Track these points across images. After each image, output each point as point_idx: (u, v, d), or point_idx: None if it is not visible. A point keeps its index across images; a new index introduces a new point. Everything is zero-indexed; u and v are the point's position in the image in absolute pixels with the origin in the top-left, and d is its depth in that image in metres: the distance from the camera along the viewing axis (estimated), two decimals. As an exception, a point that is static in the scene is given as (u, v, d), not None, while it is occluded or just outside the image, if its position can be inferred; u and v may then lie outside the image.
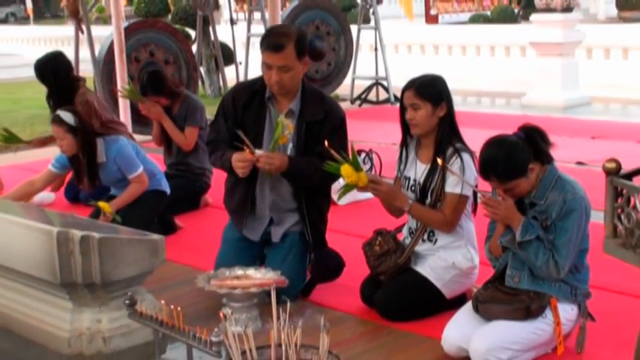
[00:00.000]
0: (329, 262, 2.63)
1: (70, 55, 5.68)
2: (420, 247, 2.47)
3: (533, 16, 7.20)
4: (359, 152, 4.07)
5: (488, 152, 2.07)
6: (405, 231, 2.56)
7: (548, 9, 6.86)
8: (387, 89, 7.46)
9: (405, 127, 2.45)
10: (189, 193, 3.85)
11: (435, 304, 2.45)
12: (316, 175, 2.49)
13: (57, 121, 3.26)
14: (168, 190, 3.54)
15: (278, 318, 1.74)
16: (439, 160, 2.29)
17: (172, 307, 1.84)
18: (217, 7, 9.54)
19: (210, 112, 3.50)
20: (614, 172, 1.58)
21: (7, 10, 27.06)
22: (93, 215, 3.26)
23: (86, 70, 6.40)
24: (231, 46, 8.13)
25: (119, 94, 4.78)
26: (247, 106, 2.57)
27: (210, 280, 2.44)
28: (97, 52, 5.81)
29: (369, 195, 2.48)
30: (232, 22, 8.19)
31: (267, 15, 6.49)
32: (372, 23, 7.73)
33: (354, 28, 7.67)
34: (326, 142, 2.33)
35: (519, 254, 2.12)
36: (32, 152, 4.50)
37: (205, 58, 8.10)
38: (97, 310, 2.21)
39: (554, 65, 6.93)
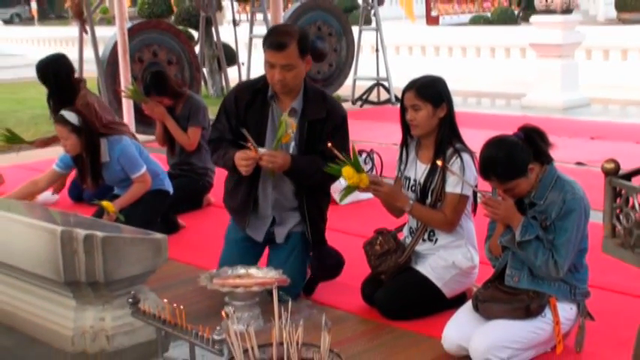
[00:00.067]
0: (329, 261, 2.64)
1: (74, 55, 5.72)
2: (421, 247, 2.49)
3: (533, 18, 7.22)
4: (360, 152, 4.10)
5: (489, 152, 2.08)
6: (405, 230, 2.57)
7: (548, 10, 6.87)
8: (388, 90, 7.47)
9: (406, 128, 2.46)
10: (191, 192, 3.87)
11: (435, 303, 2.47)
12: (318, 174, 2.50)
13: (61, 121, 3.28)
14: (171, 190, 3.55)
15: (280, 316, 1.75)
16: (439, 162, 2.30)
17: (175, 305, 1.85)
18: (220, 8, 9.58)
19: (212, 112, 3.52)
20: (612, 173, 1.58)
21: (11, 11, 27.16)
22: (96, 214, 3.27)
23: (90, 70, 6.42)
24: (233, 46, 8.16)
25: (123, 94, 4.79)
26: (250, 104, 2.58)
27: (213, 278, 2.45)
28: (100, 53, 5.83)
29: (369, 195, 2.49)
30: (235, 23, 8.22)
31: (269, 16, 6.52)
32: (374, 24, 7.74)
33: (355, 29, 7.69)
34: (329, 144, 2.34)
35: (519, 254, 2.13)
36: (36, 152, 4.51)
37: (208, 59, 8.12)
38: (101, 308, 2.22)
39: (553, 66, 6.95)
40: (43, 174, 3.69)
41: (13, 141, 4.07)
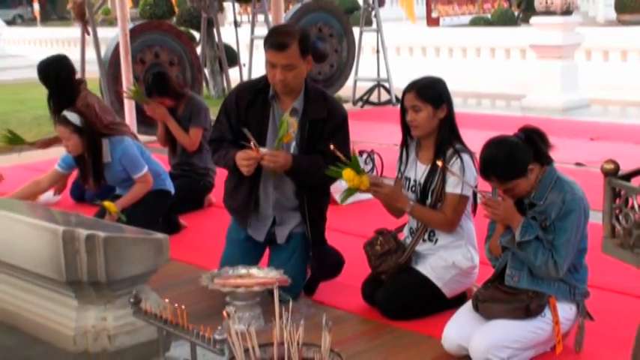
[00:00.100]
0: (328, 260, 2.64)
1: (76, 56, 5.73)
2: (421, 247, 2.50)
3: (533, 19, 7.23)
4: (361, 153, 4.11)
5: (489, 152, 2.09)
6: (405, 231, 2.58)
7: (548, 12, 6.88)
8: (388, 91, 7.48)
9: (406, 129, 2.47)
10: (193, 192, 3.88)
11: (435, 303, 2.47)
12: (319, 173, 2.50)
13: (63, 121, 3.29)
14: (172, 190, 3.56)
15: (280, 316, 1.76)
16: (439, 163, 2.31)
17: (176, 305, 1.86)
18: (221, 9, 9.60)
19: (214, 113, 3.53)
20: (612, 173, 1.58)
21: (14, 12, 27.25)
22: (98, 214, 3.28)
23: (92, 71, 6.44)
24: (235, 48, 8.17)
25: (124, 95, 4.80)
26: (251, 105, 2.58)
27: (214, 278, 2.45)
28: (102, 54, 5.85)
29: (370, 195, 2.50)
30: (236, 24, 8.24)
31: (270, 17, 6.53)
32: (374, 25, 7.75)
33: (356, 30, 7.70)
34: (332, 146, 2.34)
35: (519, 254, 2.13)
36: (37, 152, 4.53)
37: (209, 60, 8.13)
38: (103, 308, 2.23)
39: (553, 67, 6.96)
40: (45, 174, 3.71)
41: (15, 142, 4.09)
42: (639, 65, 8.07)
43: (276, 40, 2.49)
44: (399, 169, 2.56)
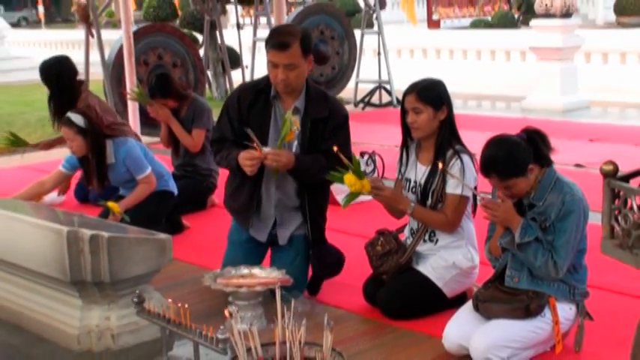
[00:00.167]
0: (329, 259, 2.65)
1: (80, 58, 5.75)
2: (422, 247, 2.51)
3: (533, 22, 7.25)
4: (362, 154, 4.12)
5: (490, 150, 2.11)
6: (406, 231, 2.59)
7: (548, 14, 6.90)
8: (389, 92, 7.49)
9: (406, 130, 2.49)
10: (196, 193, 3.90)
11: (436, 303, 2.48)
12: (321, 172, 2.51)
13: (67, 122, 3.31)
14: (175, 191, 3.58)
15: (282, 316, 1.77)
16: (440, 164, 2.33)
17: (179, 305, 1.88)
18: (224, 11, 9.61)
19: (216, 115, 3.56)
20: (611, 175, 1.59)
21: (19, 15, 27.34)
22: (102, 215, 3.30)
23: (96, 73, 6.46)
24: (237, 50, 8.19)
25: (128, 96, 4.83)
26: (252, 105, 2.59)
27: (217, 278, 2.46)
28: (106, 56, 5.87)
29: (371, 196, 2.52)
30: (239, 26, 8.26)
31: (272, 20, 6.55)
32: (376, 28, 7.77)
33: (357, 32, 7.71)
34: (335, 148, 2.35)
35: (518, 255, 2.15)
36: (42, 153, 4.55)
37: (212, 62, 8.15)
38: (106, 307, 2.25)
39: (553, 69, 6.97)
40: (50, 175, 3.73)
41: (17, 144, 4.12)
42: (638, 67, 8.07)
43: (277, 40, 2.50)
44: (400, 170, 2.57)
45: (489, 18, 13.08)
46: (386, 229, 2.58)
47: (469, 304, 2.26)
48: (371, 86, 7.68)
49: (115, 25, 13.72)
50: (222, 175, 3.47)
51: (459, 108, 6.51)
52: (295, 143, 2.58)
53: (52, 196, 4.08)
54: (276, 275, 2.46)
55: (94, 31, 5.96)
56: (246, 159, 2.50)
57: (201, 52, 7.62)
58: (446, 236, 2.48)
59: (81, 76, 4.28)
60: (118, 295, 2.26)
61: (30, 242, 2.33)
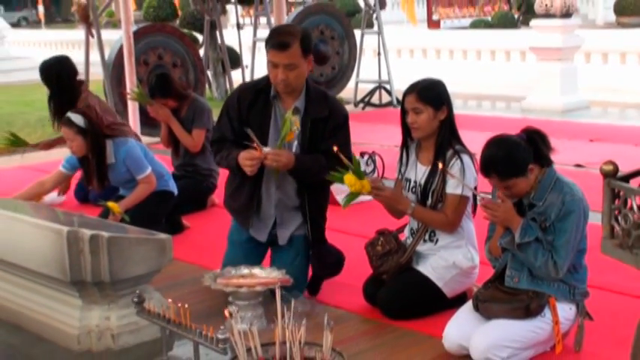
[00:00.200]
0: (329, 259, 2.65)
1: (80, 58, 5.74)
2: (422, 247, 2.51)
3: (533, 22, 7.25)
4: (362, 154, 4.12)
5: (490, 149, 2.11)
6: (406, 231, 2.60)
7: (548, 14, 6.90)
8: (389, 92, 7.50)
9: (406, 130, 2.49)
10: (196, 193, 3.90)
11: (436, 303, 2.49)
12: (322, 172, 2.51)
13: (67, 122, 3.31)
14: (175, 191, 3.58)
15: (282, 316, 1.77)
16: (440, 165, 2.33)
17: (179, 305, 1.88)
18: (224, 12, 9.61)
19: (217, 115, 3.56)
20: (611, 175, 1.59)
21: (19, 15, 27.40)
22: (102, 215, 3.30)
23: (96, 73, 6.46)
24: (237, 50, 8.20)
25: (128, 96, 4.83)
26: (252, 104, 2.59)
27: (217, 278, 2.47)
28: (106, 56, 5.87)
29: (371, 196, 2.52)
30: (239, 26, 8.26)
31: (272, 20, 6.55)
32: (376, 28, 7.77)
33: (357, 32, 7.72)
34: (335, 148, 2.36)
35: (519, 255, 2.15)
36: (42, 153, 4.55)
37: (212, 62, 8.16)
38: (106, 307, 2.25)
39: (553, 69, 6.98)
40: (50, 175, 3.73)
41: (17, 144, 4.12)
42: (638, 67, 8.08)
43: (277, 40, 2.50)
44: (400, 170, 2.57)
45: (489, 18, 13.09)
46: (386, 229, 2.58)
47: (469, 304, 2.27)
48: (371, 86, 7.68)
49: (115, 25, 13.73)
50: (223, 175, 3.48)
51: (459, 108, 6.50)
52: (295, 143, 2.59)
53: (52, 196, 4.08)
54: (276, 275, 2.46)
55: (94, 31, 5.97)
56: (247, 159, 2.50)
57: (202, 52, 7.63)
58: (446, 236, 2.48)
59: (81, 76, 4.29)
60: (118, 295, 2.26)
61: (30, 242, 2.33)
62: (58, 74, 3.96)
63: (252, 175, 2.54)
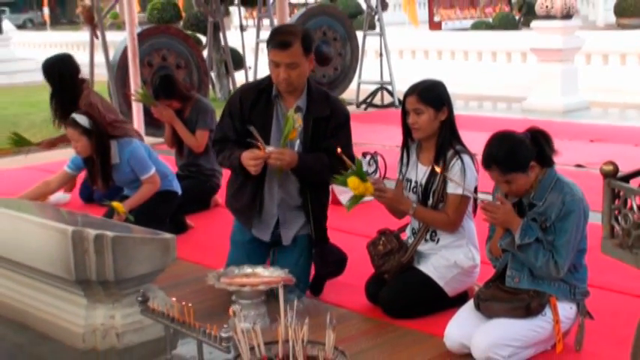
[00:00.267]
0: (331, 258, 2.66)
1: (85, 59, 5.76)
2: (423, 247, 2.53)
3: (534, 23, 7.26)
4: (364, 154, 4.14)
5: (493, 142, 2.13)
6: (408, 231, 2.61)
7: (549, 16, 6.91)
8: (391, 93, 7.51)
9: (406, 131, 2.50)
10: (199, 193, 3.91)
11: (437, 302, 2.50)
12: (324, 171, 2.52)
13: (72, 123, 3.33)
14: (179, 191, 3.60)
15: (285, 315, 1.78)
16: (438, 169, 2.34)
17: (183, 303, 1.89)
18: (227, 13, 9.65)
19: (220, 115, 3.57)
20: (611, 175, 1.59)
21: (24, 17, 27.50)
22: (107, 215, 3.31)
23: (100, 74, 6.48)
24: (240, 51, 8.21)
25: (132, 97, 4.85)
26: (254, 104, 2.60)
27: (220, 277, 2.48)
28: (111, 57, 5.89)
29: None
30: (242, 28, 8.27)
31: (275, 21, 6.58)
32: (378, 29, 7.79)
33: (359, 34, 7.73)
34: (339, 149, 2.37)
35: (519, 256, 2.16)
36: (47, 154, 4.59)
37: (216, 63, 8.18)
38: (111, 306, 2.26)
39: (554, 70, 6.99)
40: (55, 175, 3.75)
41: (20, 144, 4.14)
42: (638, 68, 8.09)
43: (279, 40, 2.52)
44: (400, 170, 2.58)
45: (490, 19, 13.10)
46: (387, 229, 2.59)
47: (470, 303, 2.28)
48: (373, 87, 7.69)
49: (119, 26, 13.76)
50: (226, 175, 3.49)
51: (460, 109, 6.49)
52: (297, 142, 2.60)
53: (58, 196, 4.10)
54: (279, 274, 2.47)
55: (98, 33, 5.99)
56: (250, 159, 2.51)
57: (205, 53, 7.65)
58: (447, 235, 2.50)
59: (84, 76, 4.30)
60: (122, 294, 2.27)
61: (36, 242, 2.35)
62: (61, 72, 3.98)
63: (255, 175, 2.55)
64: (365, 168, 2.49)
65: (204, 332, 1.81)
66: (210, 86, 7.63)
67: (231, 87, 8.02)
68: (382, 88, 7.64)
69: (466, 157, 2.44)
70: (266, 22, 7.61)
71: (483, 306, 2.20)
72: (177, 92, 3.90)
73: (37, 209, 2.80)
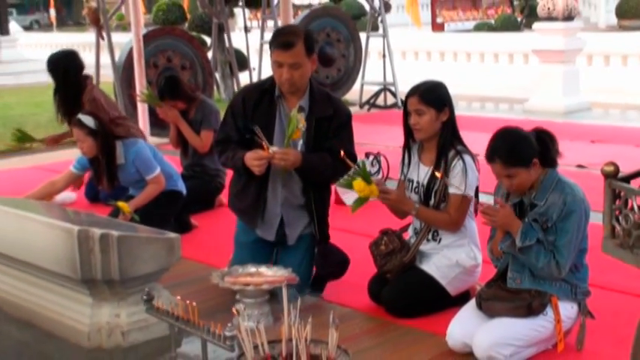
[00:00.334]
0: (333, 258, 2.68)
1: (91, 60, 5.80)
2: (425, 246, 2.54)
3: (536, 25, 7.27)
4: (367, 155, 4.16)
5: (498, 136, 2.15)
6: (410, 231, 2.62)
7: (550, 17, 6.92)
8: (394, 94, 7.53)
9: (408, 132, 2.52)
10: (204, 193, 3.94)
11: (439, 302, 2.51)
12: (328, 170, 2.54)
13: (78, 124, 3.35)
14: (184, 191, 3.62)
15: (289, 314, 1.79)
16: (438, 174, 2.36)
17: (188, 302, 1.90)
18: (232, 15, 9.68)
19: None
20: (612, 175, 1.60)
21: (31, 18, 27.65)
22: (112, 214, 3.33)
23: (106, 75, 6.51)
24: (245, 52, 8.25)
25: (138, 98, 4.88)
26: (257, 105, 2.61)
27: (224, 277, 2.49)
28: (116, 58, 5.93)
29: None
30: (246, 29, 8.31)
31: (279, 23, 6.60)
32: (381, 31, 7.81)
33: (363, 35, 7.75)
34: (342, 153, 2.38)
35: (520, 258, 2.17)
36: (53, 154, 4.62)
37: (220, 64, 8.21)
38: (116, 305, 2.26)
39: (555, 72, 7.00)
40: (61, 175, 3.76)
41: (24, 140, 4.18)
42: (639, 70, 8.09)
43: (282, 40, 2.53)
44: (402, 171, 2.60)
45: (492, 21, 13.11)
46: (390, 229, 2.61)
47: (472, 302, 2.29)
48: (376, 88, 7.71)
49: (125, 28, 13.81)
50: (230, 175, 3.51)
51: (462, 110, 6.50)
52: (300, 142, 2.61)
53: (64, 196, 4.12)
54: (282, 274, 2.49)
55: (104, 34, 6.02)
56: (254, 159, 2.52)
57: (210, 54, 7.68)
58: (449, 235, 2.51)
59: (88, 73, 4.32)
60: (127, 292, 2.27)
61: (41, 241, 2.36)
62: (66, 67, 4.01)
63: (259, 175, 2.56)
64: (368, 168, 2.49)
65: (209, 331, 1.82)
66: (215, 87, 7.66)
67: (235, 88, 8.04)
68: (385, 89, 7.65)
69: (467, 158, 2.45)
70: (270, 23, 7.64)
71: (485, 305, 2.21)
72: (182, 93, 3.92)
73: (43, 209, 2.82)
